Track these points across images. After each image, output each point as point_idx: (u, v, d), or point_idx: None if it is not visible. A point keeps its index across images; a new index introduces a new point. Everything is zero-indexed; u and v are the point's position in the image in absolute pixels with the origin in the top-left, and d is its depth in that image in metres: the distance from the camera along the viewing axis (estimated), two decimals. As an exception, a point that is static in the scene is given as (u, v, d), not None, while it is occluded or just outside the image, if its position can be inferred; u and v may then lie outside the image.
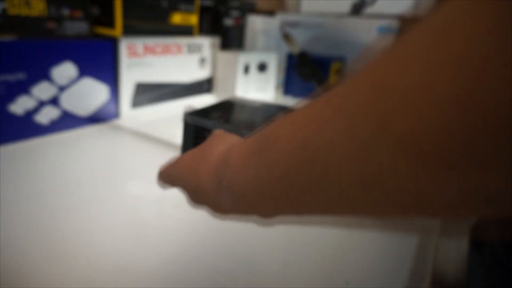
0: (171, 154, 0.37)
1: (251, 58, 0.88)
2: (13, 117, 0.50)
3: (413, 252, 0.34)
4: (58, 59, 0.54)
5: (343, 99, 0.14)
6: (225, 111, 0.49)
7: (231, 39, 0.92)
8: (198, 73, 0.82)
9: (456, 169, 0.11)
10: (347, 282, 0.29)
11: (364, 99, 0.13)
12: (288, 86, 0.98)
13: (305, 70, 0.87)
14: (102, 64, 0.60)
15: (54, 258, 0.29)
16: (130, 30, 0.63)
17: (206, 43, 0.81)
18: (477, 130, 0.10)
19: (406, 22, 0.88)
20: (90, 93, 0.59)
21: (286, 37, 0.88)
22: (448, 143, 0.10)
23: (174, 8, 0.69)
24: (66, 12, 0.55)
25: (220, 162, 0.21)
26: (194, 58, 0.79)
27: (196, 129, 0.44)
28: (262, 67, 0.91)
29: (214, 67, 0.85)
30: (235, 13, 0.90)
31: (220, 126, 0.41)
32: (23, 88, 0.50)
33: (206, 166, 0.22)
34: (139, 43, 0.66)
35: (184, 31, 0.73)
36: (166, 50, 0.71)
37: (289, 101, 0.94)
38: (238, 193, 0.20)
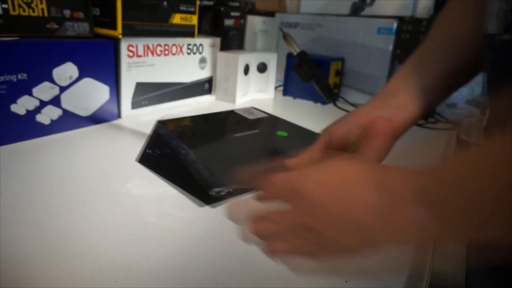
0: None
1: (251, 58, 0.88)
2: (15, 117, 0.50)
3: (411, 252, 0.34)
4: (59, 60, 0.54)
5: None
6: (190, 128, 0.54)
7: (231, 39, 0.92)
8: (198, 74, 0.82)
9: None
10: (347, 281, 0.29)
11: None
12: (287, 86, 0.98)
13: (305, 70, 0.88)
14: (102, 64, 0.61)
15: (55, 257, 0.29)
16: (131, 31, 0.63)
17: (206, 44, 0.81)
18: None
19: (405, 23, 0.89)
20: (91, 93, 0.60)
21: (286, 37, 0.88)
22: None
23: (174, 9, 0.69)
24: (67, 12, 0.55)
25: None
26: (194, 58, 0.79)
27: (157, 136, 0.52)
28: (262, 67, 0.92)
29: (214, 67, 0.86)
30: (235, 13, 0.91)
31: (172, 141, 0.47)
32: (24, 88, 0.50)
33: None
34: (140, 43, 0.66)
35: (185, 31, 0.73)
36: (166, 51, 0.72)
37: (289, 102, 0.94)
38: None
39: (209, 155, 0.44)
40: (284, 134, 0.53)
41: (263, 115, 0.62)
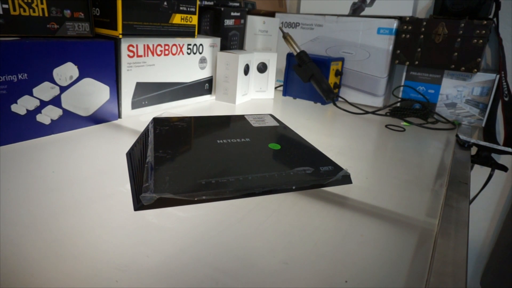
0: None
1: (251, 58, 0.88)
2: (15, 117, 0.50)
3: (412, 252, 0.34)
4: (59, 60, 0.54)
5: None
6: (176, 129, 0.53)
7: (231, 39, 0.92)
8: (198, 74, 0.82)
9: None
10: (347, 281, 0.29)
11: None
12: (287, 86, 0.98)
13: (305, 70, 0.88)
14: (103, 64, 0.61)
15: (55, 257, 0.29)
16: (131, 31, 0.63)
17: (206, 44, 0.81)
18: None
19: (405, 23, 0.89)
20: (91, 93, 0.60)
21: (286, 37, 0.88)
22: None
23: (174, 9, 0.70)
24: (67, 13, 0.56)
25: None
26: (194, 58, 0.79)
27: (145, 131, 0.53)
28: (262, 67, 0.92)
29: (214, 67, 0.86)
30: (235, 13, 0.91)
31: (156, 140, 0.47)
32: (25, 88, 0.51)
33: None
34: (140, 43, 0.66)
35: (185, 31, 0.73)
36: (166, 51, 0.72)
37: (289, 102, 0.94)
38: None
39: (171, 159, 0.42)
40: (277, 147, 0.50)
41: (275, 124, 0.59)
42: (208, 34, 0.88)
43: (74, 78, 0.56)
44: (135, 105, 0.69)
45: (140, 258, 0.30)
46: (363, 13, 1.07)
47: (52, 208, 0.36)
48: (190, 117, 0.57)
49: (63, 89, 0.55)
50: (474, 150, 0.75)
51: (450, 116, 0.89)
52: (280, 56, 1.05)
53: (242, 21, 0.94)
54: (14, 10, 0.49)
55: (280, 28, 0.91)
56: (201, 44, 0.80)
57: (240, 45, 0.96)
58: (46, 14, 0.53)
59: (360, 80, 0.97)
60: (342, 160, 0.56)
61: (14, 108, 0.50)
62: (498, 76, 0.83)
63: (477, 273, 1.11)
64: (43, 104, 0.53)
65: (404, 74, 0.92)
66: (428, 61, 0.88)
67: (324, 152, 0.57)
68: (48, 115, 0.54)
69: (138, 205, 0.37)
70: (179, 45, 0.74)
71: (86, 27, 0.59)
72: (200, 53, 0.80)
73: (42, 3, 0.52)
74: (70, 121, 0.58)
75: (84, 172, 0.45)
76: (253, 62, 0.90)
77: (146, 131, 0.52)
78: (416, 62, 0.89)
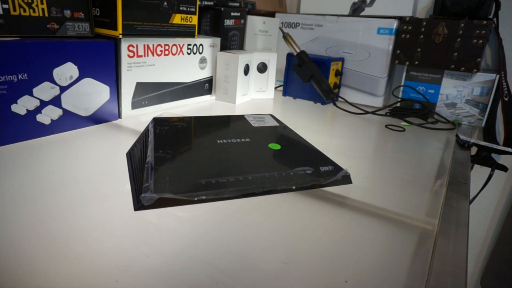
0: (172, 155, 0.37)
1: (251, 58, 0.88)
2: (15, 117, 0.50)
3: (412, 252, 0.34)
4: (59, 60, 0.54)
5: None
6: (175, 129, 0.53)
7: (231, 39, 0.92)
8: (198, 74, 0.82)
9: None
10: (347, 281, 0.29)
11: None
12: (287, 86, 0.98)
13: (305, 70, 0.88)
14: (103, 64, 0.61)
15: (55, 257, 0.29)
16: (131, 31, 0.63)
17: (206, 44, 0.81)
18: None
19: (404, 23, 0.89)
20: (91, 93, 0.60)
21: (286, 37, 0.88)
22: None
23: (174, 9, 0.69)
24: (67, 13, 0.56)
25: None
26: (194, 58, 0.79)
27: (145, 131, 0.53)
28: (262, 67, 0.92)
29: (214, 67, 0.86)
30: (235, 13, 0.91)
31: (156, 140, 0.47)
32: (25, 88, 0.51)
33: None
34: (140, 43, 0.66)
35: (185, 31, 0.73)
36: (166, 51, 0.72)
37: (289, 102, 0.94)
38: None
39: (171, 159, 0.42)
40: (277, 147, 0.49)
41: (275, 124, 0.59)
42: (208, 34, 0.88)
43: (74, 78, 0.56)
44: (135, 105, 0.69)
45: (140, 258, 0.30)
46: (363, 13, 1.07)
47: (52, 208, 0.36)
48: (190, 117, 0.57)
49: (63, 89, 0.55)
50: (474, 150, 0.75)
51: (450, 116, 0.89)
52: (280, 56, 1.05)
53: (242, 21, 0.94)
54: (14, 10, 0.49)
55: (280, 28, 0.91)
56: (201, 44, 0.80)
57: (240, 45, 0.96)
58: (46, 14, 0.53)
59: (360, 80, 0.97)
60: (342, 160, 0.56)
61: (14, 108, 0.50)
62: (498, 76, 0.83)
63: (477, 273, 1.11)
64: (43, 104, 0.53)
65: (404, 74, 0.92)
66: (428, 61, 0.88)
67: (324, 152, 0.57)
68: (48, 115, 0.54)
69: (138, 205, 0.37)
70: (179, 45, 0.74)
71: (86, 27, 0.59)
72: (200, 53, 0.80)
73: (42, 3, 0.52)
74: (70, 121, 0.58)
75: (84, 172, 0.45)
76: (253, 62, 0.90)
77: (146, 131, 0.52)
78: (416, 62, 0.89)
